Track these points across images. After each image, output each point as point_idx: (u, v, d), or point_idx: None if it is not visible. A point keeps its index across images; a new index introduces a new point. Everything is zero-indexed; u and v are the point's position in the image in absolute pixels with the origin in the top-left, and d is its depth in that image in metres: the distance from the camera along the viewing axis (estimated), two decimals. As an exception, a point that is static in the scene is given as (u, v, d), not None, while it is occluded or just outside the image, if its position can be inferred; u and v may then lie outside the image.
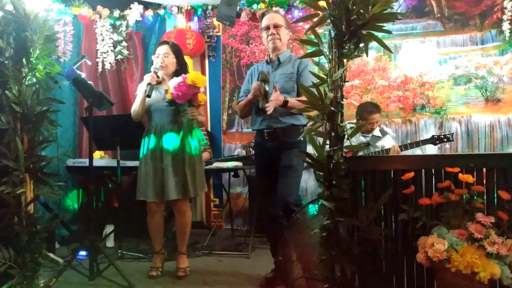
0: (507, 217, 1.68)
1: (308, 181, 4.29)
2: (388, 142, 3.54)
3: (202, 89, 2.83)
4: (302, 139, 2.61)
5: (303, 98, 1.84)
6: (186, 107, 2.82)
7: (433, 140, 3.40)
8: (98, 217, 3.76)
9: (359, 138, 3.53)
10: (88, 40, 4.38)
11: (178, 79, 2.75)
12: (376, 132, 3.57)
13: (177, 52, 2.97)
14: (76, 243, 3.62)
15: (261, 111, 2.52)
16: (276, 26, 2.65)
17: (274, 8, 4.41)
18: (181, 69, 2.94)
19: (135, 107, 2.91)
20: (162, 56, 2.91)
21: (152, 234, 2.99)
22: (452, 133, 3.43)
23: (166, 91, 2.86)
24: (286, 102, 2.50)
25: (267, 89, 2.49)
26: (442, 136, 3.39)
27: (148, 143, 2.89)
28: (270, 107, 2.45)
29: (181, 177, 2.83)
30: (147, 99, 2.86)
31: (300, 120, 2.64)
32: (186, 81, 2.70)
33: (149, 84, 2.80)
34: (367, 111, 3.48)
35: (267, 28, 2.67)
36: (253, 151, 3.70)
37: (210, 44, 4.80)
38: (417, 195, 1.82)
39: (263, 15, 2.78)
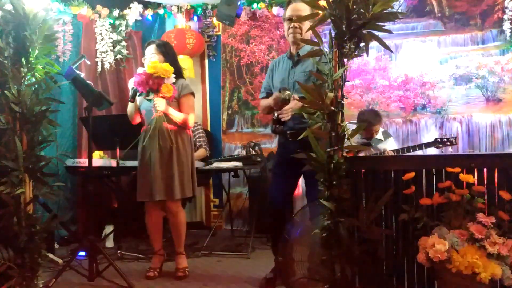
0: (508, 217, 1.68)
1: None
2: (390, 145, 3.53)
3: (170, 81, 2.67)
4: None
5: None
6: (148, 97, 2.70)
7: (435, 143, 3.39)
8: (97, 217, 3.76)
9: (360, 142, 3.52)
10: (88, 40, 4.37)
11: (144, 68, 2.70)
12: (379, 135, 3.56)
13: (164, 50, 2.90)
14: (76, 244, 3.61)
15: (276, 132, 2.52)
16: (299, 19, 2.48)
17: (274, 7, 4.41)
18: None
19: (127, 111, 2.98)
20: (148, 58, 2.88)
21: (150, 234, 2.99)
22: (455, 137, 3.40)
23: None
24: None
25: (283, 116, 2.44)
26: (445, 140, 3.37)
27: (141, 144, 2.89)
28: (286, 116, 2.39)
29: (167, 178, 2.81)
30: (138, 101, 2.89)
31: None
32: (146, 70, 2.63)
33: (132, 88, 2.78)
34: (366, 122, 3.46)
35: (290, 19, 2.53)
36: (253, 151, 3.71)
37: (210, 43, 4.79)
38: (417, 195, 1.82)
39: (288, 3, 2.60)
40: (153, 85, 2.63)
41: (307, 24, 2.50)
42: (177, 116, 2.83)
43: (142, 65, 3.02)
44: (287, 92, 2.45)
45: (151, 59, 2.85)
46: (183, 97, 2.89)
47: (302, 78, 2.53)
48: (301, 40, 2.51)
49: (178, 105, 2.89)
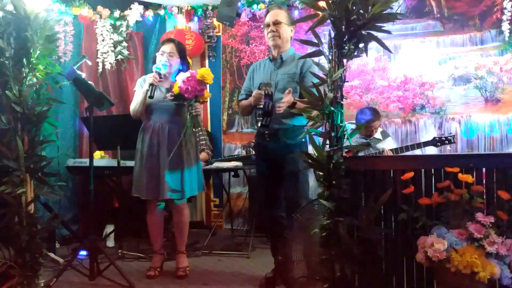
0: (506, 217, 1.69)
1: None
2: (388, 145, 3.53)
3: (207, 86, 2.83)
4: (304, 140, 2.60)
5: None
6: (192, 103, 2.78)
7: (434, 142, 3.39)
8: (98, 217, 3.76)
9: (360, 141, 3.53)
10: (89, 40, 4.38)
11: (187, 74, 2.74)
12: (377, 135, 3.57)
13: (182, 51, 2.97)
14: (77, 243, 3.62)
15: (264, 126, 2.49)
16: (276, 23, 2.61)
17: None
18: (183, 69, 2.94)
19: (135, 106, 2.92)
20: (167, 55, 2.90)
21: (151, 233, 2.99)
22: (453, 135, 3.41)
23: (167, 89, 2.87)
24: (295, 103, 2.45)
25: (270, 106, 2.44)
26: (444, 138, 3.38)
27: (145, 141, 2.89)
28: (281, 109, 2.42)
29: (177, 176, 2.83)
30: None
31: (301, 120, 2.63)
32: (196, 76, 2.70)
33: (151, 84, 2.80)
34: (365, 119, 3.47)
35: (268, 25, 2.65)
36: (253, 151, 3.71)
37: (210, 44, 4.80)
38: (417, 195, 1.83)
39: (267, 11, 2.74)
40: (198, 90, 2.73)
41: (284, 28, 2.64)
42: (201, 119, 2.96)
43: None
44: (269, 86, 2.48)
45: (170, 57, 2.90)
46: None
47: (286, 79, 2.61)
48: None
49: None
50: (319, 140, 1.88)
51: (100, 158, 3.85)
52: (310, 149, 2.19)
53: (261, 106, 2.47)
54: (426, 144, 3.43)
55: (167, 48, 2.92)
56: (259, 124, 2.54)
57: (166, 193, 2.81)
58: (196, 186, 2.93)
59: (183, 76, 2.75)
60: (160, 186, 2.81)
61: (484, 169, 1.81)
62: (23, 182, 2.09)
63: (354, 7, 1.72)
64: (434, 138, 3.42)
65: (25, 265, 2.07)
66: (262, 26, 2.83)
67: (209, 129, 4.78)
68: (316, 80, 1.85)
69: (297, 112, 2.46)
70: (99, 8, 4.37)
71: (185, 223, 2.96)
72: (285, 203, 2.64)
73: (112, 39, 4.44)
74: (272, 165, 2.64)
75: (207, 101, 2.84)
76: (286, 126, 2.59)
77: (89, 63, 3.90)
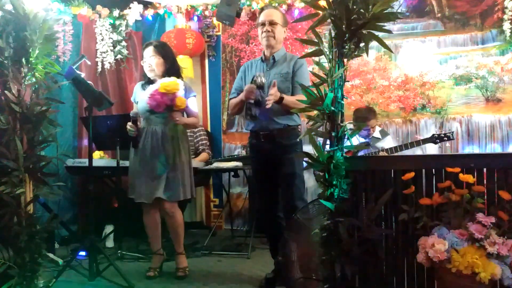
0: (507, 217, 1.68)
1: (308, 181, 4.27)
2: (388, 143, 3.53)
3: (180, 93, 2.74)
4: (299, 140, 2.60)
5: (300, 96, 1.84)
6: (166, 114, 2.78)
7: (433, 139, 3.39)
8: (97, 217, 3.76)
9: (359, 141, 3.52)
10: (88, 40, 4.37)
11: (154, 87, 2.71)
12: (376, 134, 3.57)
13: (163, 51, 2.92)
14: (76, 243, 3.61)
15: (253, 117, 2.52)
16: (272, 23, 2.60)
17: (274, 5, 4.40)
18: (170, 67, 2.89)
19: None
20: (148, 60, 2.90)
21: (149, 234, 3.00)
22: (452, 132, 3.41)
23: None
24: (281, 98, 2.46)
25: (261, 97, 2.47)
26: (443, 135, 3.38)
27: (139, 144, 2.91)
28: (269, 102, 2.42)
29: (168, 179, 2.83)
30: (139, 102, 2.92)
31: (295, 120, 2.63)
32: (159, 90, 2.67)
33: (132, 116, 2.87)
34: (362, 117, 3.47)
35: (263, 24, 2.63)
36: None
37: (210, 43, 4.79)
38: (417, 195, 1.82)
39: (261, 10, 2.74)
40: (167, 101, 2.69)
41: (279, 29, 2.63)
42: (189, 122, 2.94)
43: (142, 66, 3.04)
44: (261, 77, 2.49)
45: (151, 61, 2.88)
46: (188, 100, 2.91)
47: (278, 79, 2.58)
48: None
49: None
50: (318, 140, 1.88)
51: (100, 158, 3.84)
52: (305, 149, 2.18)
53: (252, 99, 2.48)
54: (425, 141, 3.42)
55: (146, 53, 2.92)
56: (248, 117, 2.54)
57: (158, 192, 2.81)
58: (188, 191, 2.91)
59: (151, 89, 2.72)
60: (153, 188, 2.82)
61: (485, 169, 1.80)
62: (22, 182, 2.08)
63: (354, 6, 1.72)
64: (433, 135, 3.41)
65: (24, 266, 2.06)
66: (255, 24, 2.80)
67: (209, 129, 4.77)
68: (309, 77, 1.85)
69: (287, 108, 2.47)
70: (98, 7, 4.37)
71: (178, 225, 2.93)
72: (282, 204, 2.64)
73: (112, 38, 4.43)
74: (268, 166, 2.63)
75: (183, 108, 2.78)
76: (280, 127, 2.59)
77: (88, 62, 3.90)
